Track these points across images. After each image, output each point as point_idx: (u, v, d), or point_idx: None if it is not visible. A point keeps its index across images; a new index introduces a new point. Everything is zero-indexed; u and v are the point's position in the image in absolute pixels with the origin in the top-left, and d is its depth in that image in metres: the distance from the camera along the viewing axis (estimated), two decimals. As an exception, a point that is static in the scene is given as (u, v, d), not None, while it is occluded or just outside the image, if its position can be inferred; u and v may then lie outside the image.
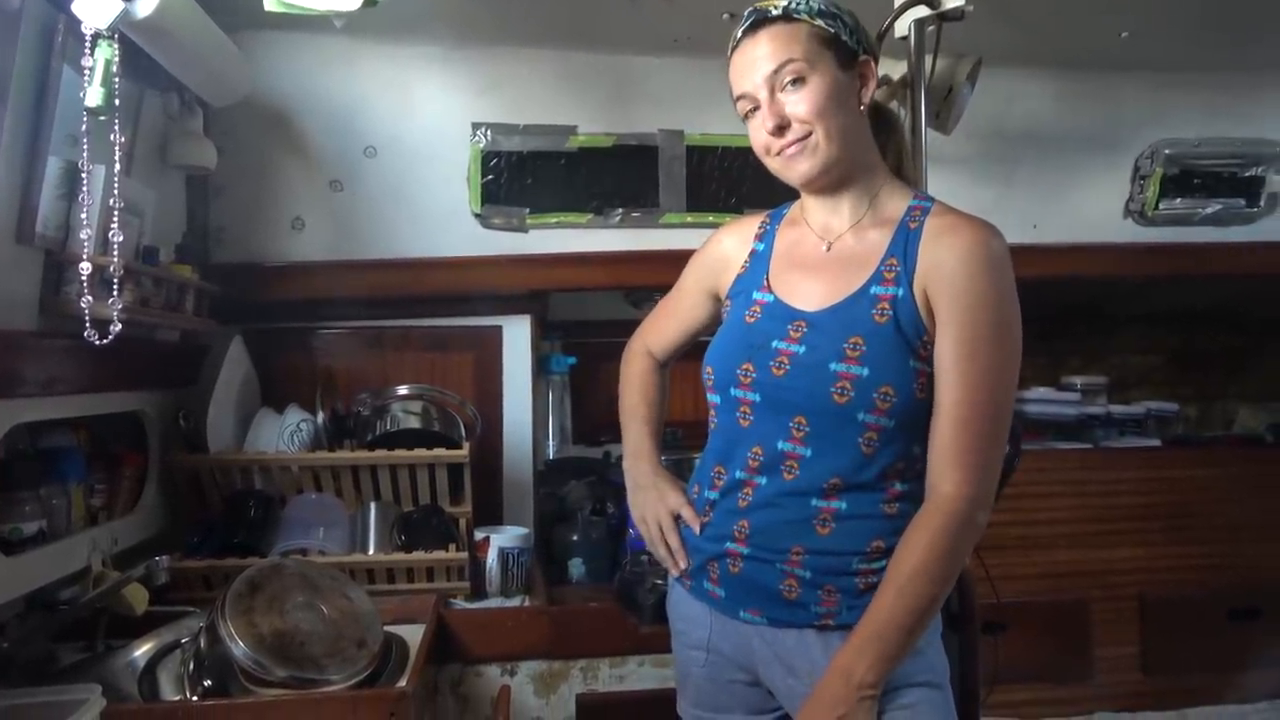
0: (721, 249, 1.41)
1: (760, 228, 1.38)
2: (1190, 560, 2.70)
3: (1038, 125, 2.45)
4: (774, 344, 1.22)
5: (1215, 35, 2.21)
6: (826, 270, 1.25)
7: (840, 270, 1.24)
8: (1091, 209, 2.56)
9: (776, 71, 1.19)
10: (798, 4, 1.21)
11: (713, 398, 1.31)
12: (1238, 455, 2.94)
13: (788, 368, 1.20)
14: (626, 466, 1.48)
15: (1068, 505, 2.67)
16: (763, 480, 1.22)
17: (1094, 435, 2.96)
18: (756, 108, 1.23)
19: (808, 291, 1.25)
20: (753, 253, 1.36)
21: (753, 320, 1.27)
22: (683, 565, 1.33)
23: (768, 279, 1.30)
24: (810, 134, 1.20)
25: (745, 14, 1.24)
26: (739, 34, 1.24)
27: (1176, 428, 3.18)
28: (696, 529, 1.31)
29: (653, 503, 1.39)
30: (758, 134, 1.24)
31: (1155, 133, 2.51)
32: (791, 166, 1.22)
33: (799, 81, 1.19)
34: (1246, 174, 2.57)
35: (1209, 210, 2.58)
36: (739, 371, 1.24)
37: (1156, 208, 2.56)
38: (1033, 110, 2.44)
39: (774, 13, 1.21)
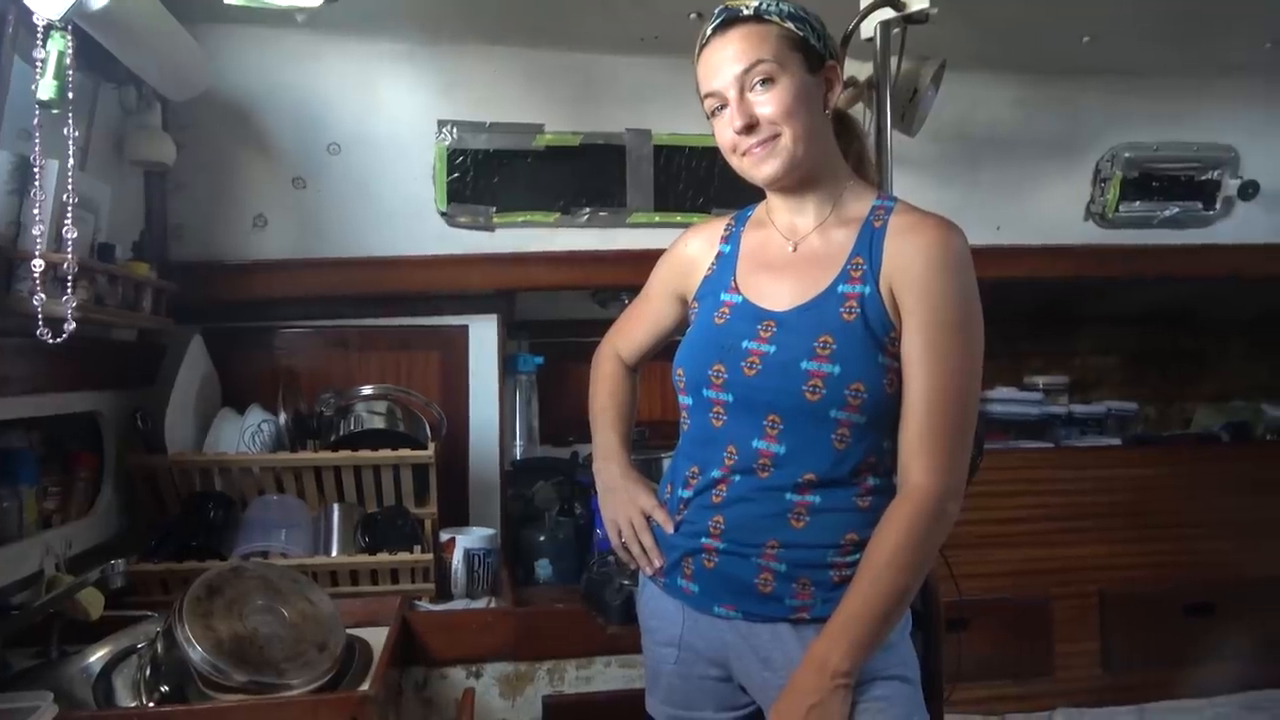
0: (688, 252, 1.41)
1: (726, 230, 1.38)
2: (1148, 557, 2.76)
3: (1001, 128, 2.48)
4: (744, 344, 1.23)
5: (1173, 41, 2.25)
6: (793, 270, 1.26)
7: (807, 270, 1.25)
8: (1054, 211, 2.60)
9: (747, 71, 1.20)
10: (768, 6, 1.21)
11: (684, 399, 1.32)
12: (1195, 454, 3.01)
13: (759, 367, 1.21)
14: (596, 468, 1.48)
15: (1030, 503, 2.71)
16: (737, 478, 1.23)
17: (1056, 434, 3.01)
18: (724, 106, 1.23)
19: (775, 292, 1.26)
20: (719, 254, 1.36)
21: (722, 321, 1.28)
22: (657, 564, 1.33)
23: (735, 280, 1.31)
24: (778, 135, 1.20)
25: (715, 12, 1.24)
26: (708, 32, 1.24)
27: (1136, 427, 3.24)
28: (669, 529, 1.31)
29: (624, 504, 1.39)
30: (724, 132, 1.24)
31: (1115, 136, 2.55)
32: (758, 166, 1.23)
33: (768, 82, 1.20)
34: (1203, 178, 2.62)
35: (1167, 213, 2.63)
36: (711, 372, 1.25)
37: (1117, 210, 2.60)
38: (996, 113, 2.47)
39: (745, 13, 1.21)
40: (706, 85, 1.24)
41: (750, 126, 1.20)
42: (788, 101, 1.19)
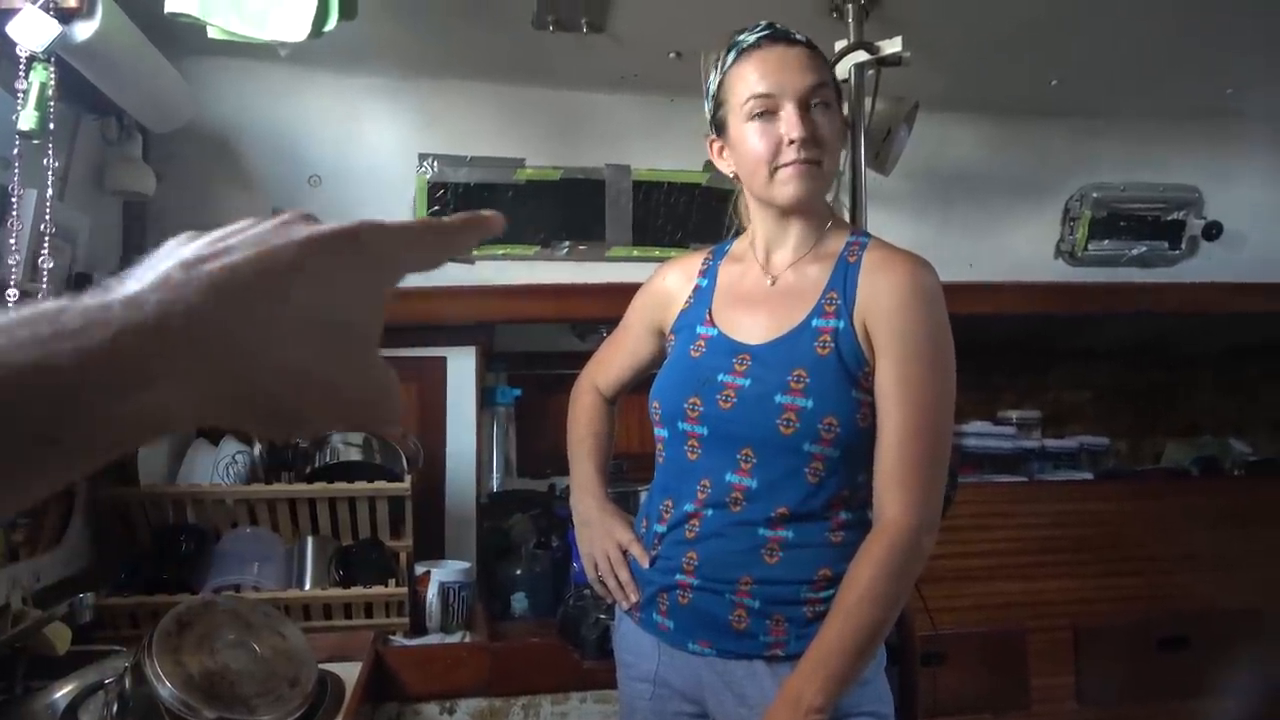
0: (665, 285, 1.42)
1: (703, 264, 1.39)
2: (1121, 591, 2.77)
3: (973, 167, 2.53)
4: (720, 377, 1.24)
5: (1138, 85, 2.32)
6: (768, 304, 1.27)
7: (781, 304, 1.26)
8: (1024, 248, 2.65)
9: (816, 87, 1.20)
10: (811, 42, 1.25)
11: (660, 432, 1.32)
12: (1166, 488, 3.04)
13: (734, 401, 1.22)
14: (573, 501, 1.48)
15: (1003, 537, 2.73)
16: (710, 512, 1.23)
17: (1029, 468, 3.04)
18: (770, 111, 1.20)
19: (750, 325, 1.27)
20: (696, 288, 1.37)
21: (698, 355, 1.29)
22: (633, 599, 1.33)
23: (710, 314, 1.32)
24: (820, 161, 1.21)
25: (760, 24, 1.24)
26: (754, 39, 1.23)
27: (1108, 461, 3.27)
28: (645, 564, 1.31)
29: (600, 538, 1.39)
30: (765, 138, 1.21)
31: (1084, 177, 2.62)
32: (789, 183, 1.21)
33: (828, 107, 1.22)
34: (1169, 218, 2.68)
35: (1135, 252, 2.69)
36: (686, 405, 1.25)
37: (1086, 249, 2.65)
38: (968, 153, 2.52)
39: (799, 38, 1.23)
40: (758, 86, 1.20)
41: (809, 140, 1.19)
42: (838, 133, 1.24)
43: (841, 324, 1.20)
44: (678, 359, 1.33)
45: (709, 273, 1.37)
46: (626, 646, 1.37)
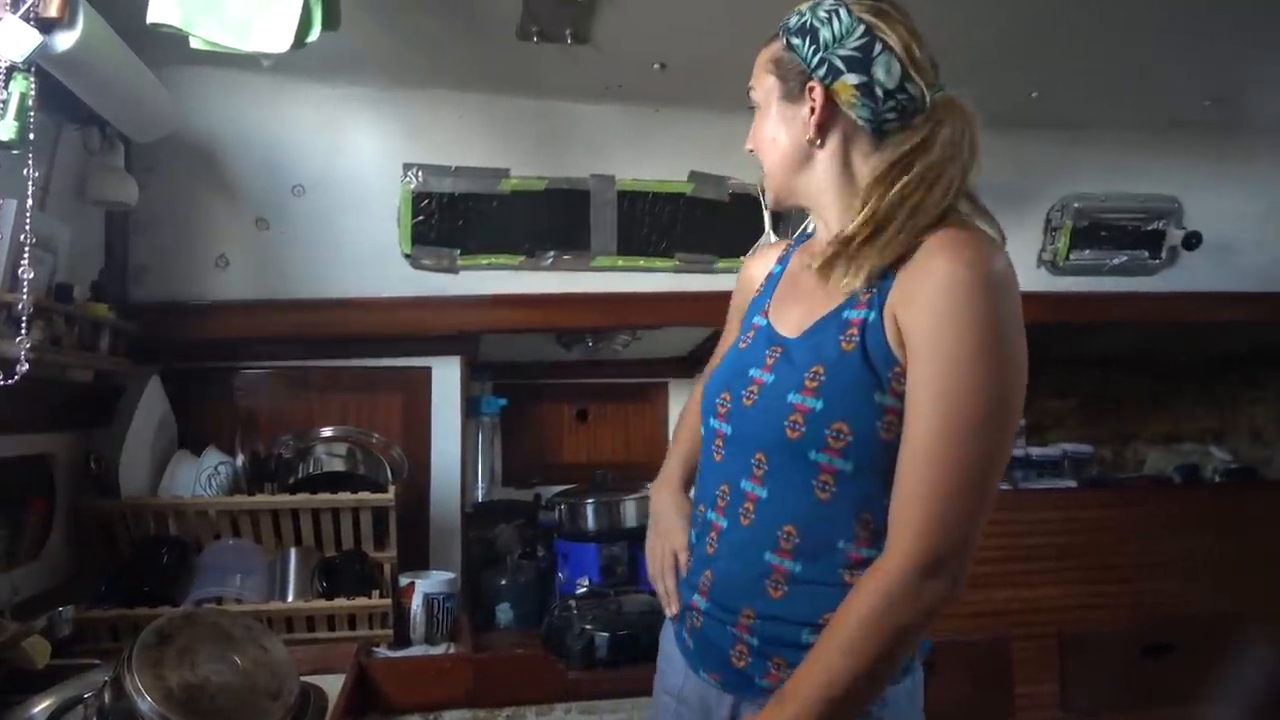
0: (748, 274, 1.37)
1: (784, 250, 1.33)
2: (1106, 598, 2.79)
3: (955, 178, 2.54)
4: (750, 371, 1.15)
5: (1117, 97, 2.34)
6: (812, 292, 1.16)
7: (820, 290, 1.14)
8: (1007, 258, 2.67)
9: (748, 93, 1.22)
10: (790, 20, 1.15)
11: (701, 428, 1.27)
12: (1148, 496, 3.06)
13: (755, 398, 1.13)
14: (651, 491, 1.46)
15: (988, 545, 2.68)
16: (725, 523, 1.16)
17: (1013, 477, 3.05)
18: None
19: (790, 316, 1.18)
20: (769, 275, 1.31)
21: (744, 346, 1.22)
22: (674, 610, 1.29)
23: (769, 302, 1.24)
24: (764, 164, 1.22)
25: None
26: None
27: (1091, 469, 3.29)
28: (683, 573, 1.28)
29: (659, 539, 1.36)
30: None
31: (1064, 187, 2.63)
32: None
33: (755, 109, 1.21)
34: (1149, 228, 2.70)
35: (1116, 261, 2.71)
36: (718, 401, 1.19)
37: (1068, 258, 2.67)
38: (950, 163, 2.53)
39: (777, 29, 1.18)
40: None
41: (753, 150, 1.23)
42: (760, 134, 1.20)
43: (871, 315, 1.05)
44: (729, 351, 1.27)
45: (784, 259, 1.31)
46: (665, 654, 1.33)
